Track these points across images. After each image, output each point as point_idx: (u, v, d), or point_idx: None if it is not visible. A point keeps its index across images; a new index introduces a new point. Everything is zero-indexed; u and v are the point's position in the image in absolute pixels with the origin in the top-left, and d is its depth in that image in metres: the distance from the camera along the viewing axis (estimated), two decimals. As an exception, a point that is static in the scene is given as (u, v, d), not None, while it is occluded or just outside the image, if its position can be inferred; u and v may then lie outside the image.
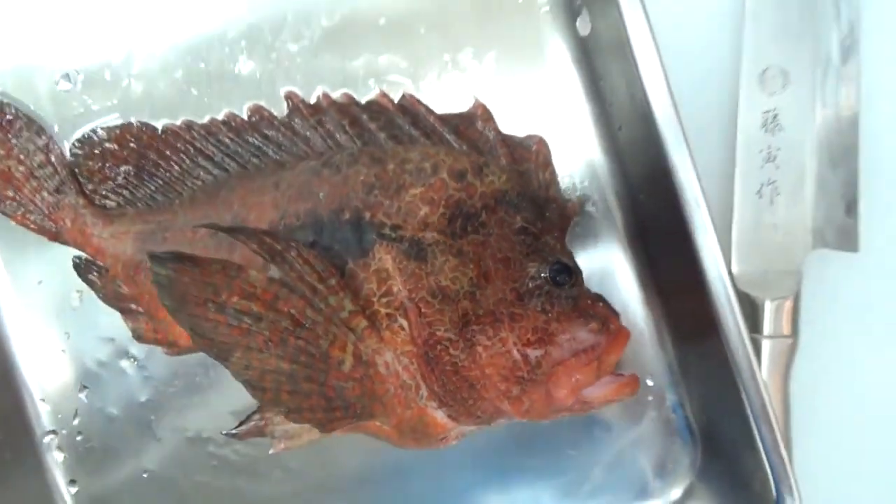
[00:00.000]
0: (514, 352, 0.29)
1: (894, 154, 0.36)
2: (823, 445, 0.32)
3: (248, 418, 0.35)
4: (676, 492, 0.35)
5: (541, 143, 0.34)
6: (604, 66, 0.34)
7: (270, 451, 0.33)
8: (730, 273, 0.29)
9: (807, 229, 0.34)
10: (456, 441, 0.33)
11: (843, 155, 0.34)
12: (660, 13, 0.30)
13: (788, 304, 0.33)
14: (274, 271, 0.30)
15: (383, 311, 0.31)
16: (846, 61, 0.34)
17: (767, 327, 0.33)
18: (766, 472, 0.29)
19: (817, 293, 0.35)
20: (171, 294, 0.29)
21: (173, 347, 0.37)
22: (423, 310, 0.30)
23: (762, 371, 0.31)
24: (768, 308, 0.33)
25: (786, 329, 0.33)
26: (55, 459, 0.40)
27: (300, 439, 0.33)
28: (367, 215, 0.31)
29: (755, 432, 0.29)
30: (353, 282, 0.31)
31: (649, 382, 0.36)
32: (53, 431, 0.40)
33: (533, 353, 0.29)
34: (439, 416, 0.31)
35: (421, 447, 0.32)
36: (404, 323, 0.30)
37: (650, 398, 0.36)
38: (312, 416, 0.30)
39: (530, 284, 0.30)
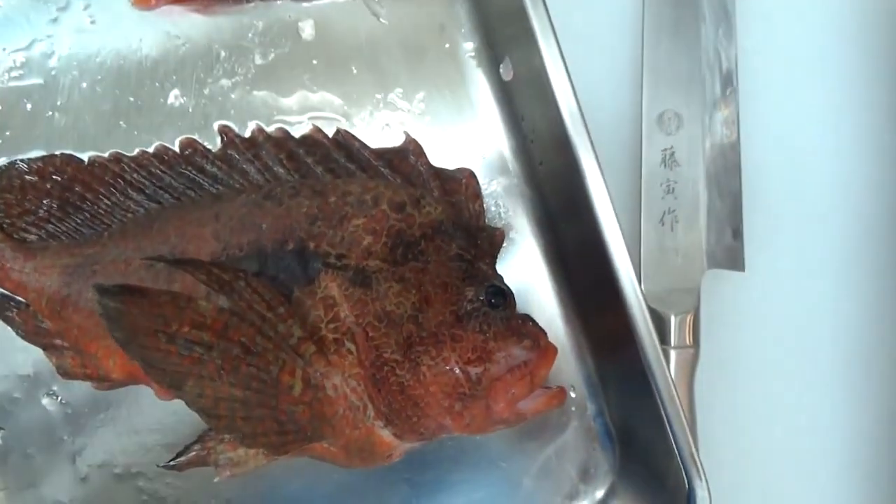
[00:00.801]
0: (457, 370, 0.32)
1: (771, 186, 0.42)
2: (723, 439, 0.37)
3: (188, 448, 0.35)
4: (600, 492, 0.39)
5: (470, 176, 0.37)
6: (525, 106, 0.38)
7: (216, 479, 0.34)
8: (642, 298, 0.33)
9: (702, 252, 0.39)
10: (398, 458, 0.34)
11: (728, 186, 0.39)
12: (570, 62, 0.34)
13: (690, 318, 0.38)
14: (223, 301, 0.31)
15: (331, 336, 0.32)
16: (727, 105, 0.39)
17: (673, 339, 0.38)
18: (678, 466, 0.33)
19: (713, 308, 0.40)
20: (119, 326, 0.29)
21: (104, 382, 0.37)
22: (370, 333, 0.32)
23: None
24: (673, 322, 0.38)
25: (689, 340, 0.38)
26: (-34, 507, 0.38)
27: (246, 466, 0.33)
28: (312, 245, 0.33)
29: (669, 432, 0.33)
30: (300, 309, 0.32)
31: (572, 394, 0.40)
32: (-35, 478, 0.38)
33: (473, 371, 0.32)
34: (385, 434, 0.33)
35: (366, 466, 0.34)
36: (352, 347, 0.32)
37: (573, 408, 0.39)
38: (266, 440, 0.31)
39: (468, 307, 0.33)
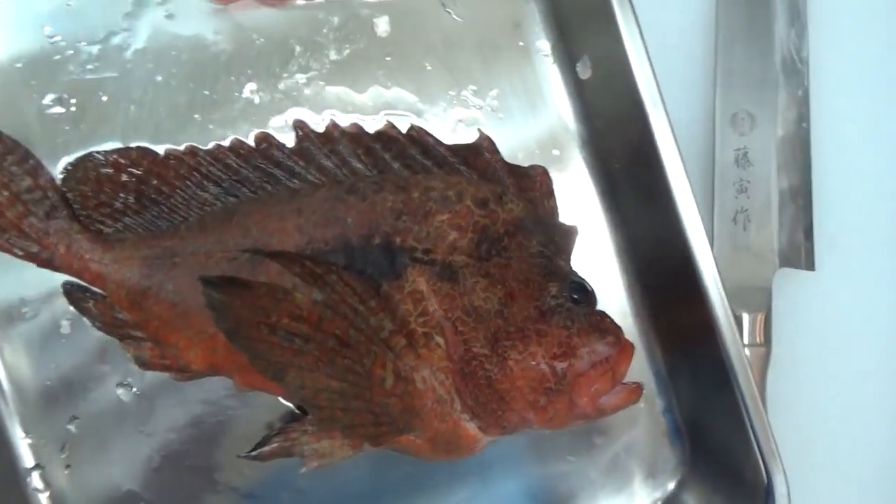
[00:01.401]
0: (543, 364, 0.33)
1: (841, 186, 0.43)
2: (792, 437, 0.37)
3: (267, 439, 0.36)
4: (671, 484, 0.40)
5: (543, 173, 0.38)
6: (601, 104, 0.38)
7: (302, 470, 0.35)
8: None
9: (774, 251, 0.39)
10: (480, 452, 0.35)
11: (799, 186, 0.40)
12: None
13: (762, 317, 0.39)
14: (317, 294, 0.32)
15: (420, 329, 0.33)
16: (799, 106, 0.40)
17: (746, 337, 0.39)
18: (756, 460, 0.34)
19: (785, 306, 0.41)
20: (225, 317, 0.30)
21: (183, 373, 0.37)
22: (458, 328, 0.33)
23: (745, 375, 0.35)
24: (746, 320, 0.39)
25: (760, 338, 0.39)
26: (40, 495, 0.39)
27: (332, 457, 0.34)
28: (398, 240, 0.34)
29: (748, 427, 0.34)
30: (389, 303, 0.33)
31: None
32: (39, 465, 0.39)
33: (559, 366, 0.33)
34: (471, 427, 0.34)
35: (450, 459, 0.35)
36: (440, 340, 0.33)
37: (642, 404, 0.40)
38: (364, 431, 0.32)
39: (552, 303, 0.34)
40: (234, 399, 0.39)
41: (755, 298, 0.39)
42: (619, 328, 0.35)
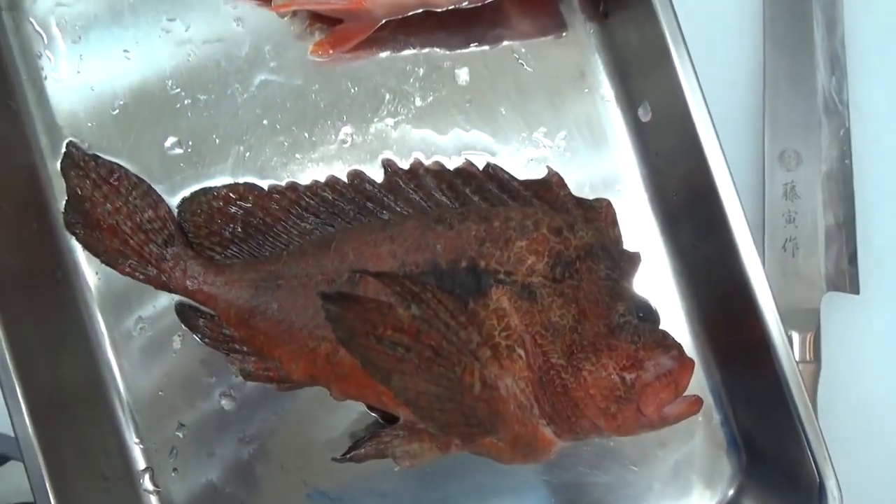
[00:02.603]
0: (614, 375, 0.38)
1: (883, 215, 0.48)
2: (844, 445, 0.41)
3: (358, 443, 0.41)
4: (730, 491, 0.44)
5: (608, 205, 0.43)
6: (661, 143, 0.44)
7: (396, 469, 0.40)
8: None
9: (821, 276, 0.44)
10: (553, 456, 0.40)
11: (844, 215, 0.45)
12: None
13: (811, 336, 0.43)
14: (415, 309, 0.37)
15: (503, 342, 0.38)
16: (841, 143, 0.45)
17: (797, 354, 0.43)
18: (810, 467, 0.38)
19: (832, 327, 0.46)
20: (341, 327, 0.36)
21: (284, 383, 0.43)
22: (538, 341, 0.38)
23: (797, 390, 0.40)
24: (796, 339, 0.43)
25: (810, 356, 0.43)
26: (150, 496, 0.44)
27: (423, 457, 0.39)
28: (483, 264, 0.39)
29: (802, 437, 0.38)
30: (476, 319, 0.38)
31: None
32: (150, 469, 0.45)
33: (628, 376, 0.38)
34: (547, 432, 0.39)
35: (527, 461, 0.40)
36: (521, 352, 0.38)
37: (700, 417, 0.44)
38: (458, 430, 0.37)
39: (620, 320, 0.39)
40: (323, 409, 0.45)
41: (805, 319, 0.44)
42: (680, 345, 0.39)
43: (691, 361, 0.39)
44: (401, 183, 0.43)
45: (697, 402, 0.39)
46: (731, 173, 0.39)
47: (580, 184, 0.45)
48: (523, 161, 0.46)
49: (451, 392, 0.37)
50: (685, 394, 0.39)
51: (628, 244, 0.43)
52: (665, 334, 0.39)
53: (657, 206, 0.45)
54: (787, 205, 0.44)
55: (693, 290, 0.45)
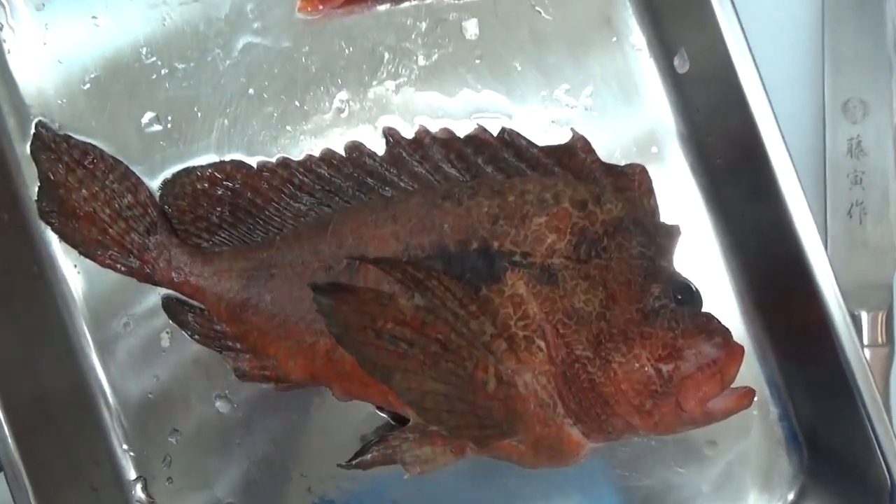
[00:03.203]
0: (647, 367, 0.35)
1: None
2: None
3: (366, 448, 0.40)
4: (790, 495, 0.42)
5: (642, 172, 0.40)
6: (701, 98, 0.41)
7: (406, 476, 0.38)
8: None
9: (893, 246, 0.41)
10: (584, 459, 0.38)
11: (920, 175, 0.41)
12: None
13: (882, 315, 0.40)
14: (419, 298, 0.35)
15: (521, 333, 0.36)
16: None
17: (866, 337, 0.40)
18: (880, 465, 0.36)
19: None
20: (334, 321, 0.34)
21: (282, 383, 0.42)
22: (560, 331, 0.36)
23: (866, 378, 0.37)
24: (865, 320, 0.40)
25: (881, 338, 0.40)
26: (145, 507, 0.44)
27: (435, 462, 0.38)
28: (496, 244, 0.37)
29: (869, 430, 0.36)
30: (489, 307, 0.36)
31: None
32: (143, 478, 0.44)
33: (664, 368, 0.35)
34: (574, 433, 0.37)
35: (553, 466, 0.38)
36: (542, 344, 0.36)
37: (754, 411, 0.42)
38: (469, 433, 0.35)
39: (655, 304, 0.36)
40: (328, 411, 0.43)
41: (874, 296, 0.41)
42: (727, 329, 0.37)
43: (740, 349, 0.36)
44: (404, 154, 0.41)
45: (748, 395, 0.36)
46: (780, 130, 0.37)
47: (609, 148, 0.43)
48: (544, 124, 0.43)
49: (461, 391, 0.35)
50: (734, 385, 0.36)
51: (666, 216, 0.40)
52: (709, 318, 0.37)
53: (699, 170, 0.43)
54: (853, 164, 0.41)
55: (743, 268, 0.42)
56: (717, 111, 0.40)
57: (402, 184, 0.41)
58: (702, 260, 0.43)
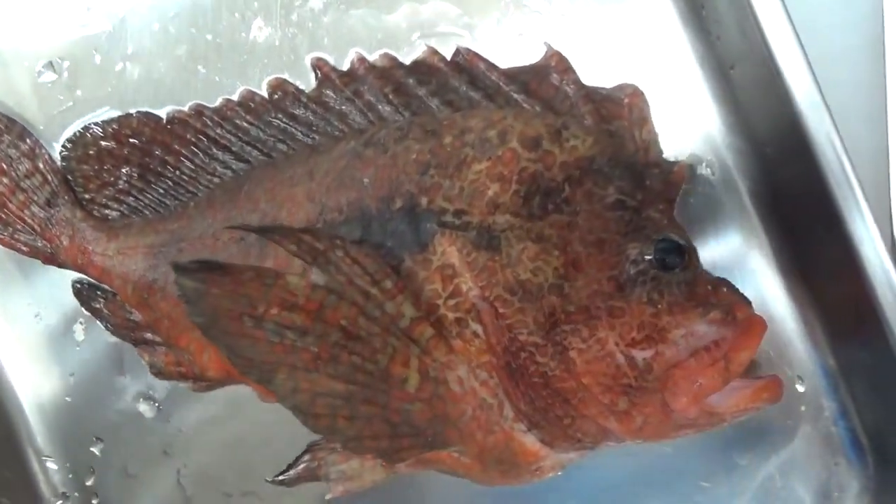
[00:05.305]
0: (617, 354, 0.33)
1: None
2: None
3: (297, 460, 0.40)
4: None
5: (635, 93, 0.38)
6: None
7: (327, 497, 0.38)
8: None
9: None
10: (552, 473, 0.37)
11: None
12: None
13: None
14: (317, 276, 0.34)
15: (451, 315, 0.35)
16: None
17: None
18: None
19: None
20: (200, 310, 0.34)
21: (200, 382, 0.42)
22: (500, 310, 0.34)
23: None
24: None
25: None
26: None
27: (361, 480, 0.38)
28: (424, 201, 0.36)
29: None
30: (413, 282, 0.35)
31: (800, 388, 0.40)
32: (65, 494, 0.46)
33: (640, 355, 0.33)
34: (529, 440, 0.35)
35: (509, 482, 0.37)
36: (478, 328, 0.35)
37: (802, 408, 0.40)
38: (375, 444, 0.34)
39: (632, 270, 0.34)
40: (274, 414, 0.43)
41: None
42: (741, 301, 0.34)
43: (756, 326, 0.34)
44: (332, 92, 0.41)
45: (770, 387, 0.34)
46: (794, 29, 0.34)
47: (593, 66, 0.40)
48: (510, 37, 0.42)
49: (368, 391, 0.34)
50: (758, 374, 0.34)
51: (667, 152, 0.38)
52: (716, 286, 0.34)
53: (712, 87, 0.40)
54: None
55: (780, 222, 0.40)
56: (728, 12, 0.37)
57: (329, 128, 0.40)
58: (727, 216, 0.41)
